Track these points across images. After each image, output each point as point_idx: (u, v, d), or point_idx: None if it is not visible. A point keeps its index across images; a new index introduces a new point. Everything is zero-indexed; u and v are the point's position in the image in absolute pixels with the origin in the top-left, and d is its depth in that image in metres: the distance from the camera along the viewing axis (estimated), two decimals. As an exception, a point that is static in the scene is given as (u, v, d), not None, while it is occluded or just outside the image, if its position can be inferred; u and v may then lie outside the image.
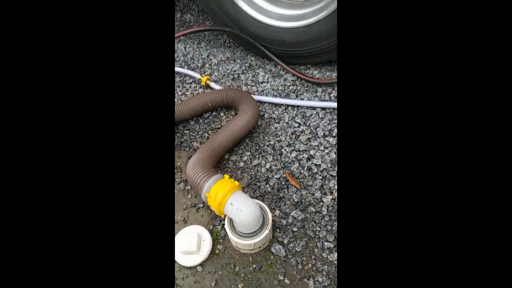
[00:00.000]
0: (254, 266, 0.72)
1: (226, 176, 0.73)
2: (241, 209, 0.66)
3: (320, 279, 0.68)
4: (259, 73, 1.22)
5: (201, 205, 0.84)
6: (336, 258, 0.71)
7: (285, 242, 0.75)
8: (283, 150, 0.94)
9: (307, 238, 0.75)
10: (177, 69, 1.25)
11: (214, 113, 1.09)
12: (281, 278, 0.69)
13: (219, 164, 0.93)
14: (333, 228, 0.76)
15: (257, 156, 0.94)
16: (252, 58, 1.30)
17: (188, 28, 1.55)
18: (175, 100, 1.16)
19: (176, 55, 1.36)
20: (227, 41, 1.41)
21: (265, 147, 0.96)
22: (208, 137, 1.01)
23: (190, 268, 0.72)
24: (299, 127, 1.00)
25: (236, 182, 0.72)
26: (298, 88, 1.14)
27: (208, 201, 0.71)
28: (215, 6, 1.17)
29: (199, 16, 1.62)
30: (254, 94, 1.13)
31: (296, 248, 0.74)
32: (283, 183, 0.86)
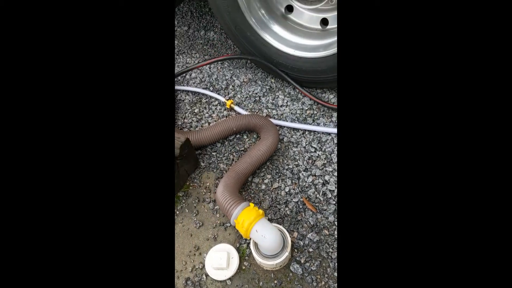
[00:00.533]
0: (275, 282, 0.84)
1: (251, 205, 0.85)
2: (265, 235, 0.78)
3: (332, 296, 0.80)
4: (278, 96, 1.32)
5: (228, 224, 0.97)
6: (346, 278, 0.82)
7: (302, 261, 0.86)
8: (300, 174, 1.05)
9: (321, 258, 0.87)
10: (204, 91, 1.36)
11: (238, 136, 1.20)
12: (298, 293, 0.81)
13: (243, 186, 1.05)
14: (345, 250, 0.87)
15: (277, 179, 1.05)
16: (272, 80, 1.39)
17: (213, 55, 1.64)
18: (204, 123, 1.28)
19: (201, 75, 1.47)
20: (248, 62, 1.50)
21: (284, 170, 1.07)
22: (233, 160, 1.13)
23: (221, 281, 0.85)
24: (315, 152, 1.10)
25: (260, 211, 0.84)
26: (315, 112, 1.23)
27: (236, 226, 0.84)
28: (237, 33, 1.27)
29: (221, 34, 1.71)
30: (274, 118, 1.23)
31: (312, 267, 0.85)
32: (300, 206, 0.97)
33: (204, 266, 0.88)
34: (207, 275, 0.87)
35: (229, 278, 0.86)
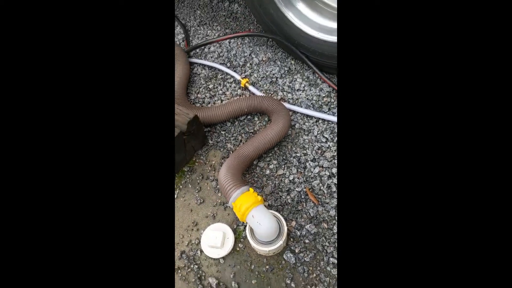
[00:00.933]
0: (267, 267, 0.85)
1: (251, 190, 0.84)
2: (260, 222, 0.78)
3: (321, 289, 0.80)
4: (296, 79, 1.26)
5: (228, 205, 0.97)
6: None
7: (297, 251, 0.86)
8: (307, 164, 1.02)
9: (316, 251, 0.86)
10: (220, 66, 1.33)
11: (249, 117, 1.18)
12: (288, 282, 0.82)
13: (248, 169, 1.04)
14: (341, 246, 0.85)
15: (283, 166, 1.03)
16: (292, 62, 1.33)
17: (235, 31, 1.58)
18: (216, 100, 1.25)
19: (220, 50, 1.43)
20: (269, 41, 1.44)
21: (291, 158, 1.04)
22: (241, 141, 1.11)
23: (214, 259, 0.87)
24: (326, 142, 1.06)
25: (259, 197, 0.83)
26: (332, 100, 1.17)
27: (234, 209, 0.84)
28: (260, 10, 1.20)
29: (245, 8, 1.64)
30: (288, 102, 1.19)
31: (305, 258, 0.85)
32: (302, 196, 0.95)
33: (200, 242, 0.90)
34: (201, 251, 0.89)
35: (223, 257, 0.87)
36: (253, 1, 1.20)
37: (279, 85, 1.26)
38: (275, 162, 1.04)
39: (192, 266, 0.87)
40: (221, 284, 0.83)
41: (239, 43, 1.45)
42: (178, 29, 1.56)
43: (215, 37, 1.49)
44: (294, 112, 1.16)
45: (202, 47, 1.45)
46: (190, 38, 1.51)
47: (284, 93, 1.23)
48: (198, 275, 0.85)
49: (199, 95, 1.27)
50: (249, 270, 0.85)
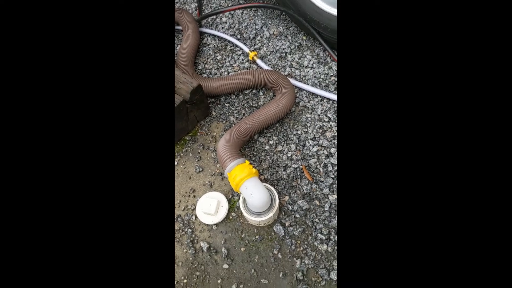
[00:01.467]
0: (257, 236, 0.88)
1: (247, 162, 0.86)
2: (252, 193, 0.80)
3: (306, 262, 0.83)
4: (306, 56, 1.23)
5: (224, 174, 1.00)
6: (324, 249, 0.84)
7: (287, 224, 0.89)
8: (307, 142, 1.02)
9: (305, 226, 0.88)
10: (230, 38, 1.31)
11: (254, 91, 1.17)
12: (276, 252, 0.85)
13: (248, 143, 1.05)
14: (330, 224, 0.87)
15: (283, 142, 1.04)
16: (303, 38, 1.29)
17: (249, -9, 1.53)
18: (223, 72, 1.25)
19: (232, 21, 1.40)
20: (283, 14, 1.39)
21: (292, 135, 1.05)
22: (244, 114, 1.12)
23: (207, 225, 0.91)
24: (328, 122, 1.05)
25: (254, 169, 0.84)
26: (340, 80, 1.15)
27: (229, 179, 0.86)
28: (275, -20, 1.16)
29: (262, -23, 1.58)
30: (295, 79, 1.17)
31: (294, 232, 0.87)
32: (298, 173, 0.97)
33: (195, 208, 0.94)
34: (196, 217, 0.93)
35: (216, 224, 0.91)
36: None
37: (287, 60, 1.24)
38: (275, 138, 1.05)
39: (186, 229, 0.91)
40: (211, 248, 0.88)
41: (251, 15, 1.41)
42: (191, -3, 1.53)
43: (228, 5, 1.46)
44: (300, 89, 1.15)
45: (214, 17, 1.42)
46: (203, 7, 1.48)
47: (292, 69, 1.21)
48: (191, 239, 0.90)
49: (206, 66, 1.27)
50: (239, 238, 0.89)
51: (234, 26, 1.38)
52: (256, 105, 1.14)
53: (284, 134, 1.05)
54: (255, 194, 0.80)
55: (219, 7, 1.48)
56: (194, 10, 1.49)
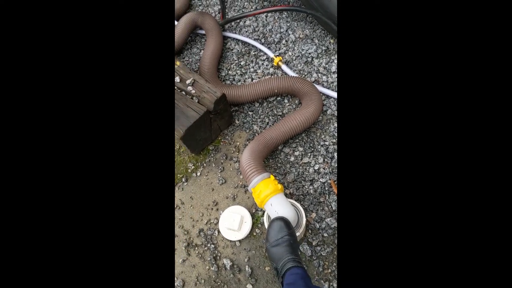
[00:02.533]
0: (281, 255, 0.84)
1: (272, 177, 0.81)
2: (278, 211, 0.76)
3: (334, 285, 0.78)
4: (333, 61, 1.17)
5: (248, 188, 0.96)
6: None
7: (314, 244, 0.84)
8: (335, 154, 0.96)
9: (334, 246, 0.83)
10: (254, 42, 1.27)
11: (278, 99, 1.12)
12: (302, 273, 0.81)
13: (272, 153, 1.01)
14: (361, 245, 0.81)
15: (309, 154, 0.98)
16: (331, 41, 1.23)
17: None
18: (247, 78, 1.21)
19: (256, 24, 1.36)
20: (309, 17, 1.33)
21: (319, 146, 0.99)
22: (268, 123, 1.08)
23: (231, 241, 0.88)
24: (358, 132, 0.99)
25: (280, 185, 0.80)
26: (371, 87, 1.07)
27: (253, 195, 0.82)
28: (302, -19, 1.10)
29: (287, -23, 1.51)
30: (322, 85, 1.11)
31: (322, 252, 0.82)
32: (326, 188, 0.91)
33: (218, 222, 0.92)
34: (219, 231, 0.90)
35: (239, 240, 0.88)
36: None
37: (314, 65, 1.18)
38: (301, 149, 1.00)
39: (209, 245, 0.89)
40: (235, 266, 0.85)
41: (276, 18, 1.36)
42: (215, 0, 1.50)
43: (251, 10, 1.41)
44: (327, 96, 1.08)
45: (238, 21, 1.38)
46: (226, 10, 1.45)
47: (319, 74, 1.15)
48: (214, 255, 0.87)
49: (230, 72, 1.24)
50: (263, 256, 0.85)
51: (258, 30, 1.34)
52: (280, 113, 1.09)
53: (311, 144, 1.00)
54: (280, 212, 0.76)
55: (243, 10, 1.44)
56: (217, 13, 1.45)
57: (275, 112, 1.09)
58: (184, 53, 1.32)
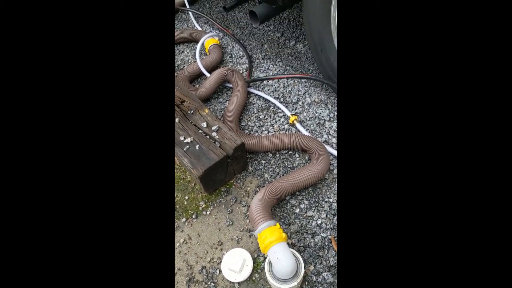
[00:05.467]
0: (277, 303, 0.87)
1: (278, 225, 0.88)
2: (280, 259, 0.81)
3: None
4: (343, 126, 1.29)
5: (254, 233, 1.02)
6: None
7: (309, 296, 0.87)
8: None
9: (328, 301, 0.86)
10: (274, 100, 1.42)
11: (290, 153, 1.23)
12: (295, 325, 0.83)
13: (279, 203, 1.09)
14: (355, 304, 0.84)
15: (313, 208, 1.06)
16: (343, 108, 1.37)
17: (295, 69, 1.68)
18: (264, 131, 1.34)
19: (277, 84, 1.53)
20: (325, 84, 1.50)
21: (323, 202, 1.07)
22: (278, 173, 1.17)
23: (230, 282, 0.92)
24: (361, 194, 1.07)
25: (284, 234, 0.87)
26: (375, 154, 1.18)
27: (258, 240, 0.88)
28: (321, 55, 1.28)
29: (309, 49, 1.74)
30: (331, 146, 1.22)
31: (316, 306, 0.85)
32: (326, 243, 0.97)
33: (221, 261, 0.96)
34: (220, 271, 0.94)
35: (238, 283, 0.92)
36: (315, 45, 1.28)
37: (325, 128, 1.30)
38: (306, 202, 1.07)
39: (209, 283, 0.92)
40: (231, 307, 0.87)
41: (296, 81, 1.54)
42: (244, 59, 1.71)
43: (275, 72, 1.60)
44: (335, 157, 1.19)
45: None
46: (253, 69, 1.65)
47: (329, 136, 1.27)
48: (212, 293, 0.90)
49: (249, 123, 1.37)
50: (260, 302, 0.88)
51: (279, 90, 1.51)
52: (291, 166, 1.19)
53: (316, 199, 1.08)
54: (282, 261, 0.81)
55: (267, 71, 1.63)
56: (244, 70, 1.65)
57: (286, 164, 1.20)
58: (212, 101, 1.48)
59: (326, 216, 1.03)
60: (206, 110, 1.20)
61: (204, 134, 1.13)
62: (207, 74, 1.53)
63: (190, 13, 2.00)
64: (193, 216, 1.08)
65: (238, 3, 1.48)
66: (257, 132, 1.33)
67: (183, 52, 1.79)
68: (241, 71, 1.65)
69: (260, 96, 1.48)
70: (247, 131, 1.34)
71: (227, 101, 1.47)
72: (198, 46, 1.61)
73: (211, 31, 1.90)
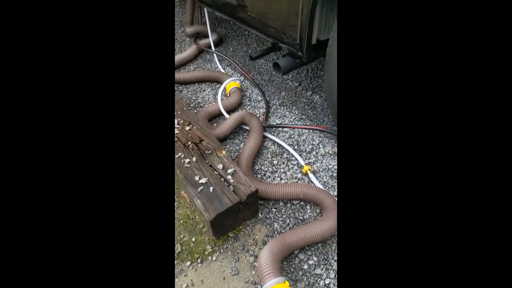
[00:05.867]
0: None
1: (287, 283, 0.85)
2: (287, 322, 0.78)
3: None
4: (356, 181, 1.30)
5: (259, 286, 0.98)
6: None
7: None
8: (347, 273, 1.00)
9: None
10: (288, 147, 1.45)
11: (302, 203, 1.23)
12: None
13: (288, 257, 1.06)
14: None
15: (322, 266, 1.03)
16: (356, 163, 1.39)
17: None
18: (276, 177, 1.35)
19: (292, 132, 1.57)
20: (340, 136, 1.54)
21: (333, 261, 1.04)
22: (288, 224, 1.16)
23: None
24: (372, 257, 1.04)
25: (293, 294, 0.83)
26: (388, 215, 1.17)
27: (265, 297, 0.85)
28: (337, 107, 1.33)
29: (325, 100, 1.80)
30: (343, 202, 1.22)
31: None
32: (334, 307, 0.92)
33: (222, 314, 0.92)
34: (221, 326, 0.90)
35: None
36: (332, 98, 1.33)
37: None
38: (315, 258, 1.05)
39: (208, 337, 0.87)
40: None
41: (310, 131, 1.58)
42: (262, 104, 1.77)
43: (291, 119, 1.65)
44: (347, 213, 1.18)
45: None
46: (270, 114, 1.70)
47: (341, 191, 1.27)
48: None
49: (262, 167, 1.39)
50: None
51: (294, 137, 1.54)
52: (301, 217, 1.18)
53: (325, 257, 1.05)
54: (289, 324, 0.77)
55: (283, 117, 1.68)
56: (261, 114, 1.70)
57: (297, 216, 1.18)
58: (227, 141, 1.52)
59: (335, 276, 1.00)
60: (224, 152, 1.22)
61: (219, 176, 1.14)
62: (226, 115, 1.58)
63: (214, 55, 2.12)
64: (198, 260, 1.06)
65: (264, 53, 1.57)
66: (269, 178, 1.34)
67: (204, 90, 1.87)
68: (258, 115, 1.70)
69: (275, 141, 1.51)
70: (259, 176, 1.35)
71: (242, 143, 1.50)
72: (221, 89, 1.69)
73: (233, 74, 2.00)
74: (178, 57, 2.03)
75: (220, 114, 1.64)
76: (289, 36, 1.32)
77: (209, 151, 1.23)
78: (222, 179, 1.13)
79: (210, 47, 2.16)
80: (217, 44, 2.27)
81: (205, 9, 2.13)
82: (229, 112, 1.64)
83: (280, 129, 1.59)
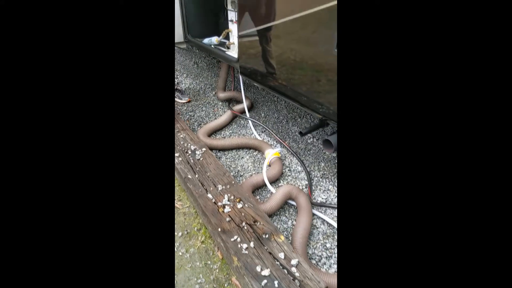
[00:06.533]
0: None
1: None
2: None
3: None
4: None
5: None
6: None
7: None
8: None
9: None
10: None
11: None
12: None
13: None
14: None
15: None
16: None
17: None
18: (333, 264, 1.23)
19: (299, 174, 1.50)
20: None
21: None
22: None
23: None
24: None
25: None
26: None
27: None
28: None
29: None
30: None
31: None
32: None
33: None
34: None
35: None
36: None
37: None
38: None
39: None
40: None
41: (359, 208, 1.51)
42: (302, 174, 1.72)
43: (336, 195, 1.59)
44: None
45: (324, 201, 1.54)
46: (313, 188, 1.64)
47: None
48: None
49: (315, 251, 1.28)
50: None
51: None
52: None
53: None
54: None
55: (328, 191, 1.62)
56: (304, 187, 1.64)
57: None
58: (274, 218, 1.43)
59: None
60: (282, 237, 1.13)
61: (282, 267, 1.03)
62: (272, 190, 1.52)
63: (249, 121, 2.14)
64: None
65: (313, 129, 1.58)
66: (325, 265, 1.23)
67: (242, 158, 1.83)
68: (300, 187, 1.64)
69: (324, 220, 1.43)
70: (313, 261, 1.24)
71: (289, 220, 1.41)
72: (266, 162, 1.65)
73: (268, 141, 1.99)
74: (215, 123, 2.04)
75: (264, 185, 1.58)
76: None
77: (267, 236, 1.13)
78: (285, 270, 1.02)
79: (244, 112, 2.19)
80: (249, 109, 2.31)
81: (240, 77, 2.21)
82: (271, 183, 1.58)
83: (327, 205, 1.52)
